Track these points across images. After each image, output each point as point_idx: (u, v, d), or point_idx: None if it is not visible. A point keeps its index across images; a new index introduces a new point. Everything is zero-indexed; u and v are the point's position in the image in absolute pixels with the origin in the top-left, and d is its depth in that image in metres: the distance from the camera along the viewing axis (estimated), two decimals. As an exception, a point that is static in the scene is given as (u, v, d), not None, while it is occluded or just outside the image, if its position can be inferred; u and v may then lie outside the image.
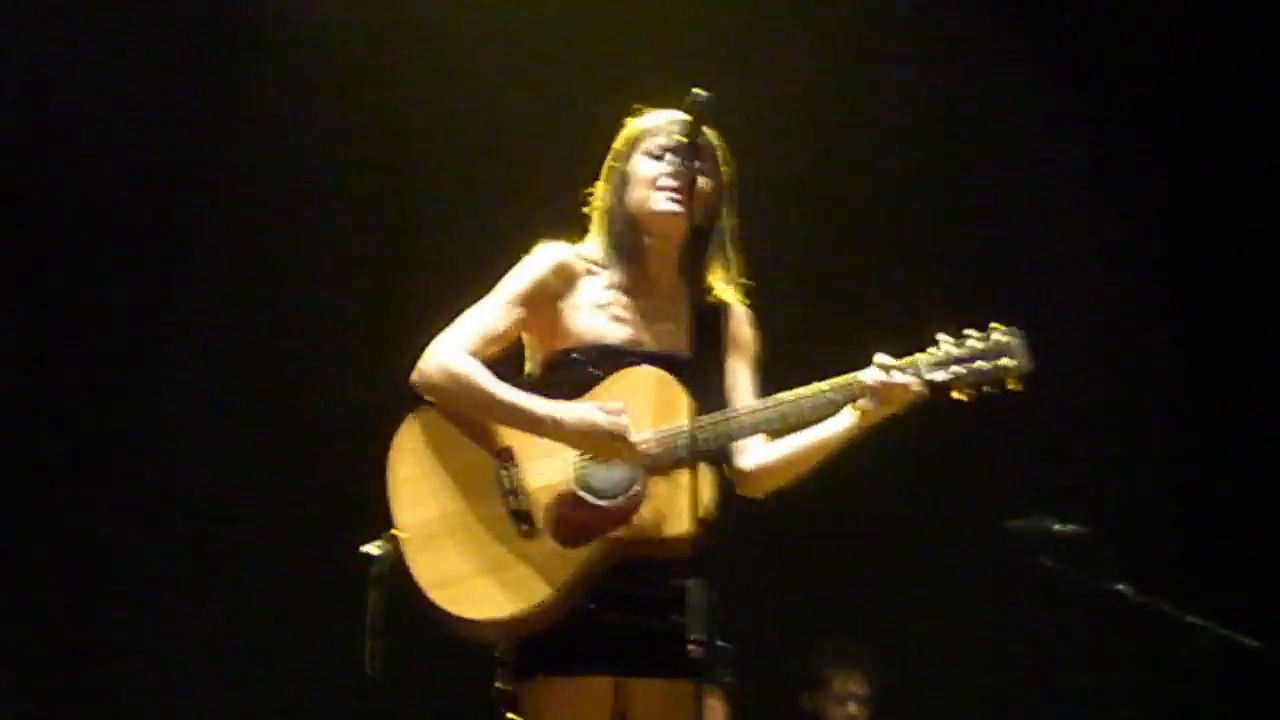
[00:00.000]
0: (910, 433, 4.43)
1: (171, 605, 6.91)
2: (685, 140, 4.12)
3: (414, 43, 7.20)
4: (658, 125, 4.44)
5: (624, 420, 4.20)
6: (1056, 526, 5.94)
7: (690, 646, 3.84)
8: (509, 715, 4.26)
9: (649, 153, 4.42)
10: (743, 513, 4.45)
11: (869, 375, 4.24)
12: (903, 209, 7.45)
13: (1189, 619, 5.83)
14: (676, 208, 4.33)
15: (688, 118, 4.11)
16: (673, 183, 4.32)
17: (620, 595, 4.22)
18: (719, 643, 4.10)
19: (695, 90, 4.05)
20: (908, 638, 7.19)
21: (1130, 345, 7.44)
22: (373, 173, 7.22)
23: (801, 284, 7.03)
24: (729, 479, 4.40)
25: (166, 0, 6.99)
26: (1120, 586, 5.88)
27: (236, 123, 7.15)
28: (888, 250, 7.45)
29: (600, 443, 4.20)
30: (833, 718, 6.82)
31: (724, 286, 4.48)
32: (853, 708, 6.79)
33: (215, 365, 7.08)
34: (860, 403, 4.24)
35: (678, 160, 4.21)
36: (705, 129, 4.21)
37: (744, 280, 4.50)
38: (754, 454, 4.42)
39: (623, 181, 4.45)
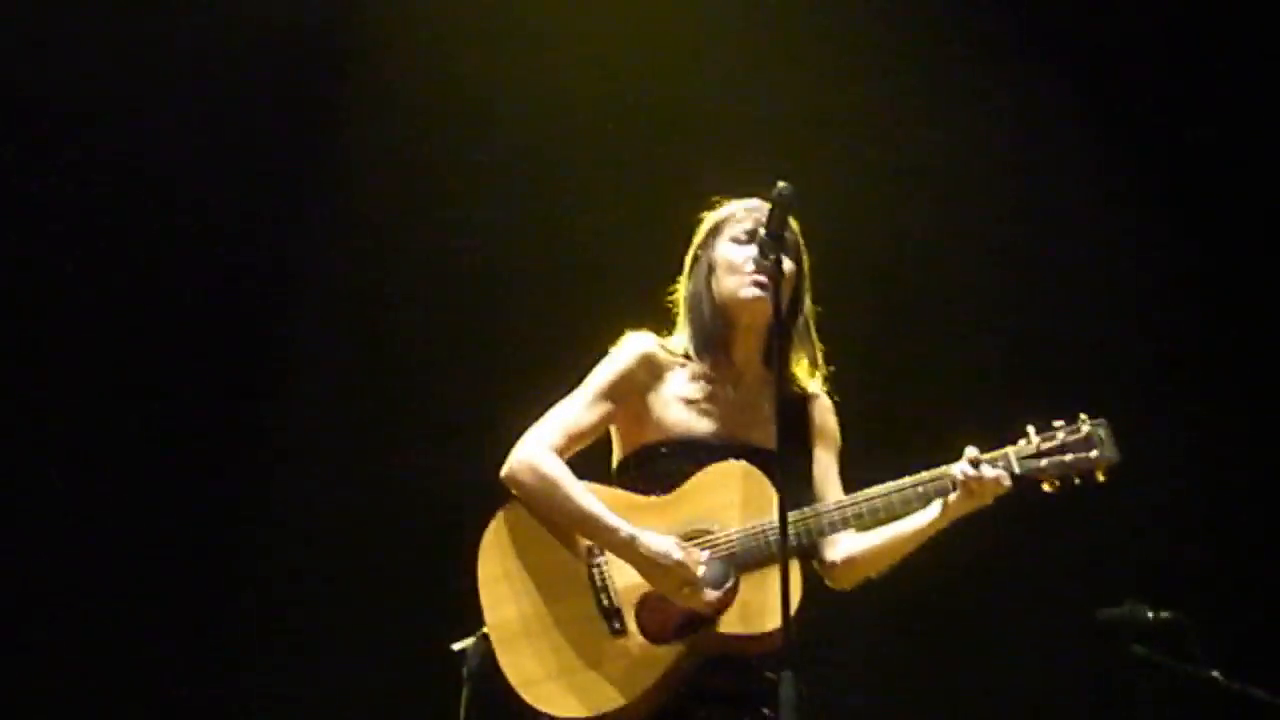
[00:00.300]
0: (1000, 518, 4.43)
1: (264, 692, 6.95)
2: (768, 230, 4.14)
3: (501, 130, 7.26)
4: (739, 211, 4.49)
5: (700, 569, 4.21)
6: (1150, 614, 5.81)
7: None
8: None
9: (734, 239, 4.45)
10: (832, 605, 4.49)
11: (959, 469, 4.25)
12: (986, 294, 7.39)
13: (1284, 705, 5.74)
14: (763, 293, 4.34)
15: (770, 207, 4.14)
16: (758, 268, 4.33)
17: (712, 690, 4.24)
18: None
19: (780, 183, 4.10)
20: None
21: (1218, 427, 7.33)
22: (466, 260, 7.27)
23: (883, 374, 6.98)
24: (817, 572, 4.43)
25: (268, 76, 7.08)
26: (1215, 674, 5.78)
27: (333, 215, 7.24)
28: (970, 340, 7.38)
29: (669, 583, 4.22)
30: None
31: (808, 376, 4.50)
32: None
33: (315, 459, 7.13)
34: (951, 497, 4.25)
35: (761, 247, 4.20)
36: (788, 220, 4.24)
37: (826, 368, 4.54)
38: (842, 547, 4.43)
39: (708, 269, 4.48)
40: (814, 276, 4.55)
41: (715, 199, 4.60)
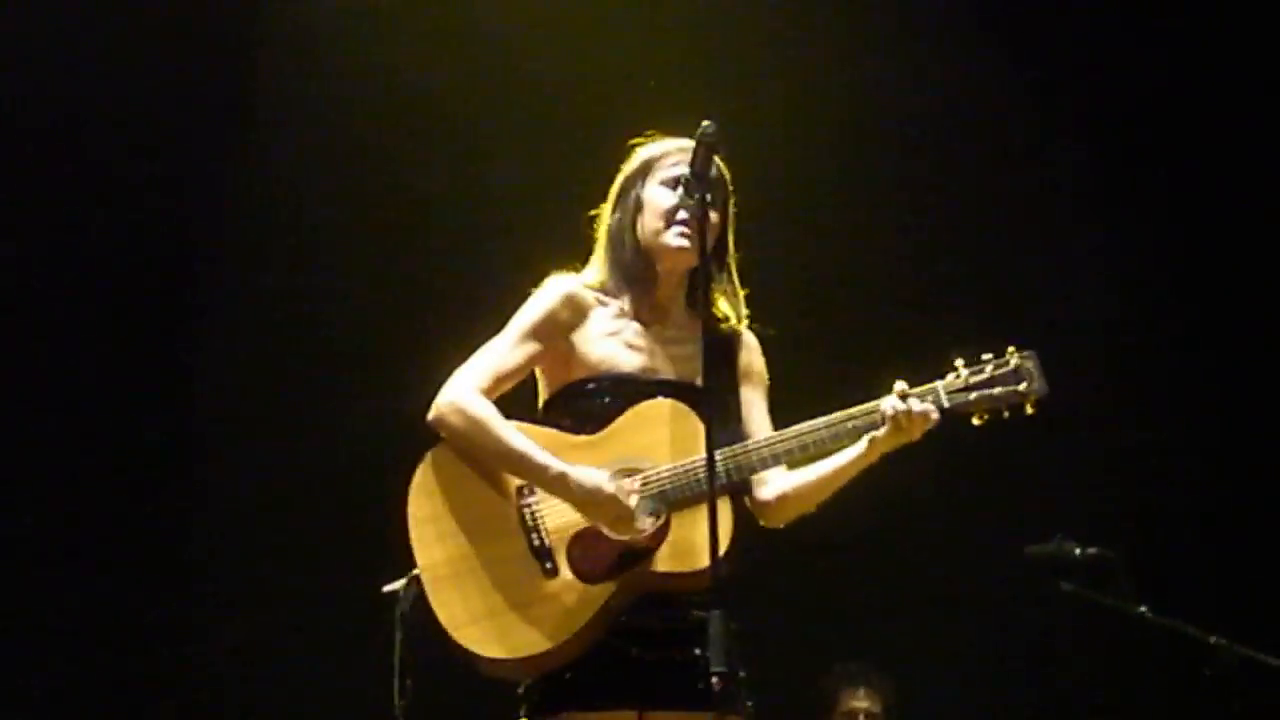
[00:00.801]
0: (931, 456, 4.43)
1: (189, 647, 6.97)
2: (693, 169, 4.12)
3: (418, 59, 7.25)
4: (671, 153, 4.43)
5: (633, 500, 4.20)
6: (1077, 551, 5.92)
7: (712, 678, 3.83)
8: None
9: (665, 181, 4.40)
10: (761, 541, 4.45)
11: (888, 404, 4.23)
12: (912, 228, 7.45)
13: (1211, 639, 5.81)
14: (688, 244, 4.33)
15: (695, 145, 4.11)
16: (686, 217, 4.31)
17: (642, 629, 4.22)
18: (740, 673, 4.13)
19: (705, 122, 4.07)
20: (929, 663, 7.19)
21: (1147, 363, 7.42)
22: (383, 207, 7.26)
23: (811, 310, 7.02)
24: (750, 509, 4.42)
25: (180, 55, 7.05)
26: (1142, 609, 5.88)
27: (247, 170, 7.24)
28: (898, 272, 7.44)
29: (602, 514, 4.21)
30: None
31: (731, 315, 4.47)
32: (862, 721, 6.81)
33: (236, 404, 7.13)
34: (879, 432, 4.24)
35: (685, 186, 4.18)
36: (715, 160, 4.20)
37: (749, 311, 4.51)
38: (774, 484, 4.42)
39: (635, 206, 4.43)
40: (741, 215, 4.51)
41: (649, 132, 4.54)
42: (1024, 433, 6.96)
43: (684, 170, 4.24)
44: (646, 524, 4.20)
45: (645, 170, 4.44)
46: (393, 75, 7.20)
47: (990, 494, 7.22)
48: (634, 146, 4.53)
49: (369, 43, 7.22)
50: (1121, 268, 7.45)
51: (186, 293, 7.16)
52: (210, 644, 6.96)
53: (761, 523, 4.45)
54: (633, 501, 4.20)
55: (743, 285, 4.50)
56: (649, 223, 4.40)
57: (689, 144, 4.24)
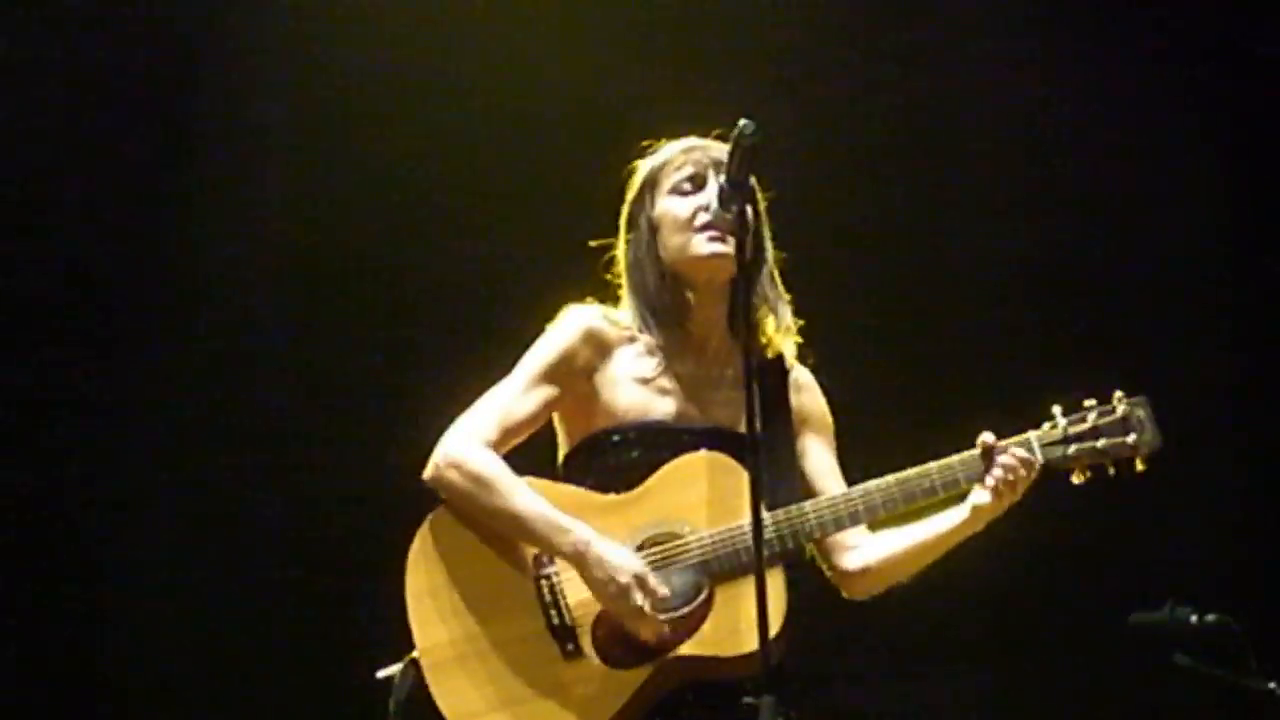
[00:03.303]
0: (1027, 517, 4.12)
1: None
2: (729, 178, 3.74)
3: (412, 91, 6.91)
4: (676, 155, 4.13)
5: (661, 590, 3.85)
6: (1194, 618, 5.44)
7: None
8: None
9: (676, 189, 4.10)
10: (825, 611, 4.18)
11: (971, 456, 3.95)
12: (998, 252, 7.01)
13: (1346, 718, 5.55)
14: (722, 247, 3.98)
15: (731, 149, 3.73)
16: (712, 218, 3.98)
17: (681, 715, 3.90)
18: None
19: (743, 122, 3.67)
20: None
21: (1270, 414, 7.04)
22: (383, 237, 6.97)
23: (879, 346, 6.69)
24: (831, 580, 4.16)
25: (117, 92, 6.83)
26: (1271, 685, 5.41)
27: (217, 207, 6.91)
28: (985, 304, 7.00)
29: (621, 605, 3.85)
30: None
31: (780, 338, 4.14)
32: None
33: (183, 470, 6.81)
34: (979, 498, 3.95)
35: (721, 198, 3.80)
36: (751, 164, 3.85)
37: (798, 327, 4.19)
38: (860, 551, 4.12)
39: (649, 229, 4.11)
40: (788, 227, 4.18)
41: (645, 144, 4.25)
42: (1133, 486, 6.59)
43: (694, 170, 4.03)
44: (682, 605, 3.87)
45: (651, 185, 4.16)
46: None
47: (1093, 555, 6.84)
48: (632, 171, 4.25)
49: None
50: (1249, 312, 7.07)
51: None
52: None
53: (844, 594, 4.17)
54: (660, 591, 3.84)
55: (798, 317, 4.18)
56: (670, 239, 4.08)
57: (692, 142, 4.07)
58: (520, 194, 6.66)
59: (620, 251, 4.18)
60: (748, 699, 3.76)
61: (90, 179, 6.76)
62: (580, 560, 3.86)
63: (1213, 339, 7.10)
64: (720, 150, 3.93)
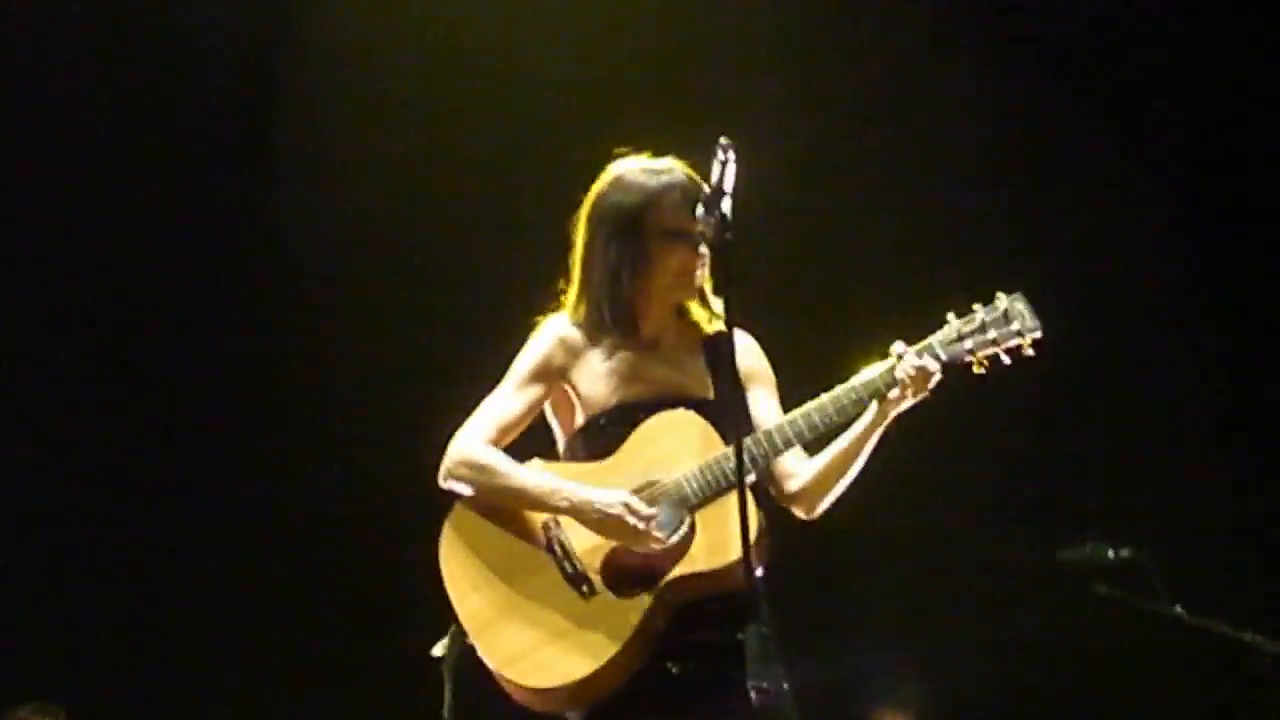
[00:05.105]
0: (956, 462, 4.39)
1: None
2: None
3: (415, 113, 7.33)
4: (673, 192, 4.39)
5: (651, 511, 4.22)
6: (1110, 553, 5.92)
7: (751, 693, 3.82)
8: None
9: (679, 233, 4.37)
10: (795, 556, 4.44)
11: (887, 366, 4.26)
12: (893, 199, 7.42)
13: (1247, 637, 5.80)
14: (694, 290, 4.41)
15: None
16: (698, 271, 4.37)
17: (683, 646, 4.23)
18: (782, 686, 4.13)
19: (724, 140, 4.04)
20: (963, 672, 7.20)
21: (1174, 352, 7.35)
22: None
23: (796, 291, 7.05)
24: (787, 506, 4.43)
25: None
26: (1177, 609, 5.86)
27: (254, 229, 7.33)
28: (881, 243, 7.38)
29: (625, 531, 4.22)
30: None
31: (716, 310, 4.46)
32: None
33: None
34: (889, 394, 4.25)
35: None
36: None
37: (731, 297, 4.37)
38: (799, 475, 4.42)
39: (640, 258, 4.40)
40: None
41: (619, 150, 4.49)
42: (1051, 435, 7.00)
43: (686, 213, 4.25)
44: (669, 538, 4.22)
45: (647, 211, 4.40)
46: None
47: (1018, 498, 7.19)
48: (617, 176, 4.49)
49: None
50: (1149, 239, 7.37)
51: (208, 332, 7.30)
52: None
53: (801, 515, 4.46)
54: (653, 512, 4.22)
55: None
56: (660, 280, 4.41)
57: (685, 179, 4.34)
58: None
59: (589, 250, 4.45)
60: (735, 627, 3.96)
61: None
62: (576, 510, 4.22)
63: (1128, 277, 7.38)
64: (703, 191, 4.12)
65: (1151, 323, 7.35)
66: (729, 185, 4.07)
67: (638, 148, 4.50)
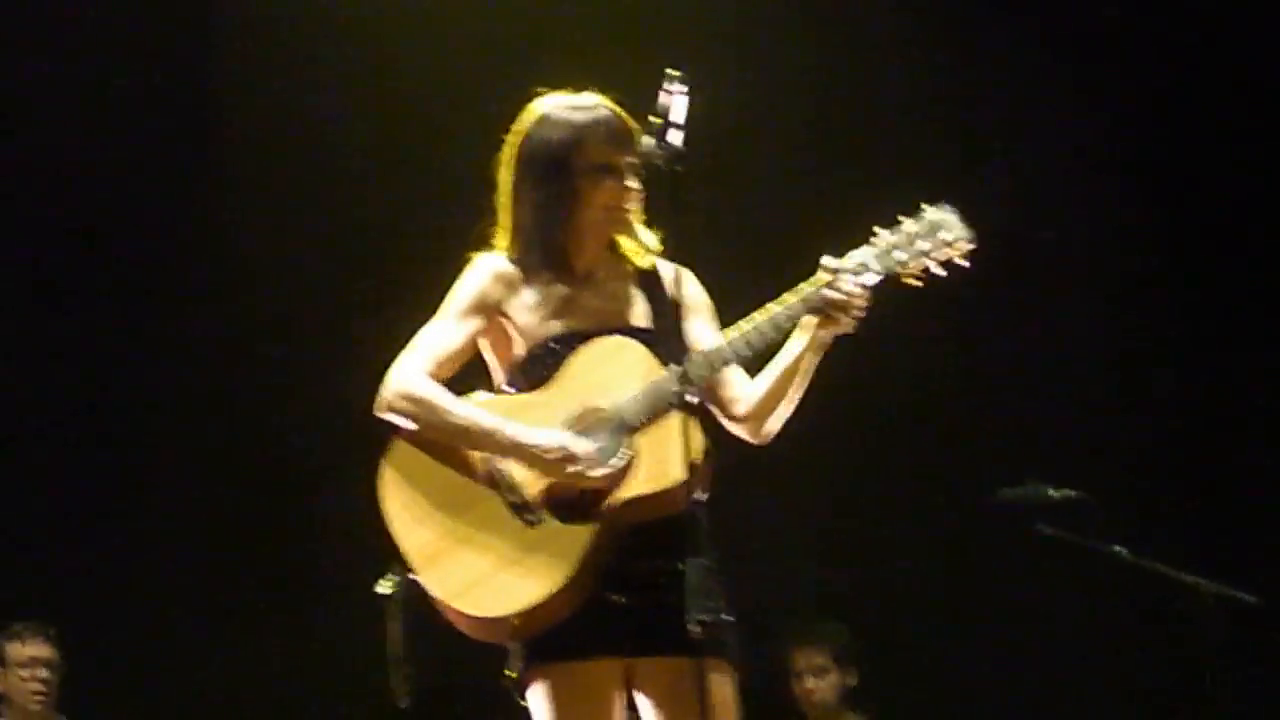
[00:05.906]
0: (898, 405, 4.37)
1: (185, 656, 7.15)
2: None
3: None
4: (600, 135, 4.36)
5: (590, 446, 4.19)
6: (1051, 492, 5.95)
7: (690, 625, 3.86)
8: (522, 702, 4.26)
9: (602, 168, 4.34)
10: (742, 491, 4.49)
11: (819, 281, 4.22)
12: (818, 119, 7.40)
13: (1187, 578, 5.85)
14: (625, 223, 4.38)
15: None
16: (631, 204, 4.35)
17: (624, 576, 4.21)
18: (723, 617, 4.14)
19: (671, 71, 4.02)
20: (904, 611, 7.25)
21: (1122, 299, 7.35)
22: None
23: (733, 220, 7.03)
24: (736, 432, 4.40)
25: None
26: (1117, 548, 5.91)
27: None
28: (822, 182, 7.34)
29: (560, 471, 4.20)
30: (797, 694, 6.92)
31: (648, 243, 4.43)
32: (809, 681, 6.87)
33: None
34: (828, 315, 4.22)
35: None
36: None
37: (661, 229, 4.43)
38: (745, 398, 4.38)
39: (571, 196, 4.35)
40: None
41: (539, 90, 4.41)
42: (991, 375, 7.05)
43: (612, 147, 4.28)
44: (608, 469, 4.19)
45: (574, 148, 4.35)
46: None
47: (959, 438, 7.21)
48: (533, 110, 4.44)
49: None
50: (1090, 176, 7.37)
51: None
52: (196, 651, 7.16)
53: (752, 440, 4.42)
54: (592, 447, 4.19)
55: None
56: (590, 215, 4.37)
57: (611, 114, 4.33)
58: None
59: (515, 188, 4.40)
60: (677, 558, 3.97)
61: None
62: (515, 452, 4.19)
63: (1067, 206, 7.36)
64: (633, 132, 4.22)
65: (1090, 256, 7.35)
66: (680, 117, 4.05)
67: (576, 86, 4.42)
